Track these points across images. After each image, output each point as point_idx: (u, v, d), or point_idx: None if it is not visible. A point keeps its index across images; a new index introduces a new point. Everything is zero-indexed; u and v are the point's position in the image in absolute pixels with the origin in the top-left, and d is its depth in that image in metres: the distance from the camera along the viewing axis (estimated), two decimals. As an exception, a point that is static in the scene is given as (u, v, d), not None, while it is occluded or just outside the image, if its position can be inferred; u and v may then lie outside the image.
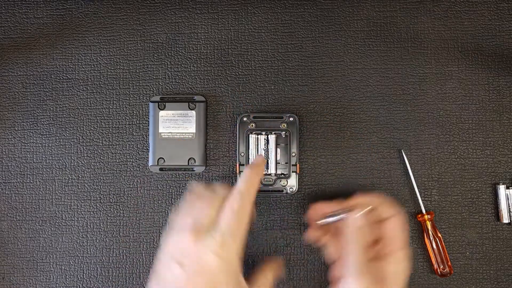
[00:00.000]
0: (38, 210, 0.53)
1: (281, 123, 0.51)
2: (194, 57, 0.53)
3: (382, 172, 0.52)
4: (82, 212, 0.52)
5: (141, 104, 0.53)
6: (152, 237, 0.52)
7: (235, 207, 0.41)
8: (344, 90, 0.52)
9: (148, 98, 0.53)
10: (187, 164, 0.51)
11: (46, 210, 0.53)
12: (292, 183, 0.50)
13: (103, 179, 0.53)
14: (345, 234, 0.44)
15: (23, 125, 0.53)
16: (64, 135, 0.53)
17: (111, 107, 0.53)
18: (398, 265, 0.43)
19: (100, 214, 0.52)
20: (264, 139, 0.50)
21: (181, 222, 0.42)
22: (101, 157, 0.53)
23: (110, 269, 0.52)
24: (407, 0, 0.53)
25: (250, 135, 0.50)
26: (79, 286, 0.52)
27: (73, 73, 0.53)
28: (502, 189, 0.51)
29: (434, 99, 0.52)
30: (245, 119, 0.51)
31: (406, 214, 0.51)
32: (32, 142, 0.53)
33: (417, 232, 0.51)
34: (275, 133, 0.50)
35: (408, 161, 0.51)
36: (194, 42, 0.53)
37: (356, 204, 0.45)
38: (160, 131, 0.52)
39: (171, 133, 0.52)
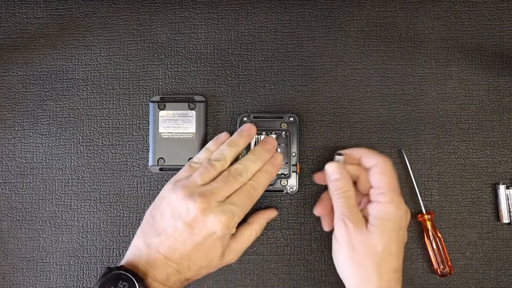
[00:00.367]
0: (38, 210, 0.53)
1: (281, 123, 0.51)
2: (194, 57, 0.53)
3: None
4: (82, 212, 0.52)
5: (141, 104, 0.53)
6: (152, 237, 0.52)
7: (253, 195, 0.45)
8: (344, 90, 0.52)
9: (148, 98, 0.53)
10: (187, 164, 0.51)
11: (46, 210, 0.53)
12: (292, 183, 0.50)
13: (103, 179, 0.53)
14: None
15: (23, 125, 0.53)
16: (64, 135, 0.53)
17: (111, 107, 0.53)
18: (379, 210, 0.44)
19: (100, 214, 0.52)
20: (264, 139, 0.50)
21: (194, 183, 0.44)
22: (101, 157, 0.53)
23: (110, 269, 0.52)
24: (407, 0, 0.53)
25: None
26: (79, 286, 0.52)
27: (73, 73, 0.53)
28: (502, 189, 0.51)
29: (434, 99, 0.52)
30: (245, 119, 0.51)
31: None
32: (32, 142, 0.53)
33: (417, 232, 0.51)
34: (275, 133, 0.50)
35: (408, 161, 0.51)
36: (194, 42, 0.53)
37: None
38: (160, 131, 0.52)
39: (171, 133, 0.52)
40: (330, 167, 0.46)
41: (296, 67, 0.53)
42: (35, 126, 0.53)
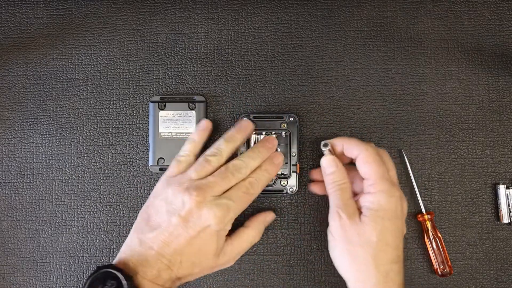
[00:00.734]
0: (38, 210, 0.53)
1: (281, 123, 0.51)
2: (194, 57, 0.53)
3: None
4: (82, 212, 0.52)
5: (141, 104, 0.53)
6: (152, 237, 0.52)
7: (251, 191, 0.45)
8: (344, 90, 0.52)
9: (148, 98, 0.53)
10: (187, 164, 0.51)
11: (46, 210, 0.53)
12: (292, 183, 0.50)
13: (103, 179, 0.53)
14: None
15: (23, 125, 0.53)
16: (64, 135, 0.53)
17: (111, 107, 0.53)
18: (371, 201, 0.43)
19: (100, 214, 0.52)
20: (264, 139, 0.50)
21: (189, 178, 0.44)
22: (101, 157, 0.53)
23: (110, 269, 0.52)
24: (407, 0, 0.53)
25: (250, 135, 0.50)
26: (79, 286, 0.52)
27: (73, 73, 0.53)
28: (502, 189, 0.51)
29: (434, 99, 0.52)
30: (245, 119, 0.51)
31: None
32: (32, 142, 0.53)
33: (417, 232, 0.51)
34: (275, 133, 0.50)
35: (408, 161, 0.51)
36: (194, 42, 0.53)
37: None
38: (160, 131, 0.52)
39: (171, 133, 0.52)
40: (325, 161, 0.46)
41: (296, 67, 0.53)
42: (35, 126, 0.53)
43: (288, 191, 0.50)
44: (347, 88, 0.52)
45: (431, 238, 0.50)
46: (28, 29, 0.54)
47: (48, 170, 0.53)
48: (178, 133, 0.51)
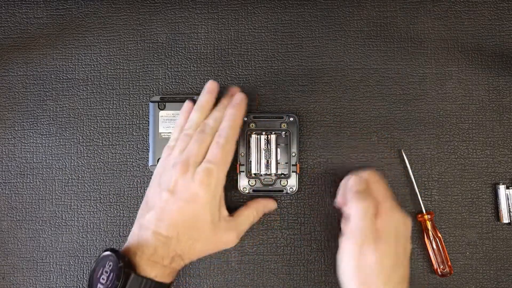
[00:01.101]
0: (38, 210, 0.53)
1: (281, 123, 0.51)
2: (194, 57, 0.53)
3: (382, 172, 0.52)
4: (82, 212, 0.52)
5: (141, 104, 0.53)
6: (152, 237, 0.52)
7: (221, 143, 0.45)
8: (344, 90, 0.52)
9: (148, 98, 0.53)
10: (187, 164, 0.51)
11: (46, 210, 0.52)
12: (292, 183, 0.50)
13: (103, 179, 0.53)
14: None
15: (23, 125, 0.53)
16: (64, 135, 0.53)
17: (111, 107, 0.53)
18: (384, 222, 0.42)
19: (100, 214, 0.52)
20: (265, 139, 0.50)
21: (174, 156, 0.46)
22: (101, 157, 0.53)
23: (110, 269, 0.52)
24: (407, 0, 0.53)
25: (250, 135, 0.50)
26: (79, 286, 0.52)
27: (73, 73, 0.53)
28: (502, 189, 0.51)
29: (434, 99, 0.52)
30: (245, 119, 0.51)
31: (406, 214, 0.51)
32: (32, 142, 0.53)
33: (417, 232, 0.51)
34: (275, 133, 0.50)
35: (408, 161, 0.51)
36: (194, 42, 0.53)
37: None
38: (160, 131, 0.52)
39: (171, 133, 0.51)
40: (353, 180, 0.45)
41: (296, 67, 0.53)
42: (35, 126, 0.53)
43: (288, 191, 0.50)
44: (347, 88, 0.52)
45: (431, 238, 0.50)
46: (28, 29, 0.54)
47: (48, 170, 0.53)
48: (178, 133, 0.51)
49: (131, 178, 0.52)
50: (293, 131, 0.50)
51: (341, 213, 0.46)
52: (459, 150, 0.52)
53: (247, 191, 0.50)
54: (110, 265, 0.41)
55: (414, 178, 0.51)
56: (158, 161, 0.51)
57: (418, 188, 0.51)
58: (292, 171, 0.50)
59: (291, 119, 0.51)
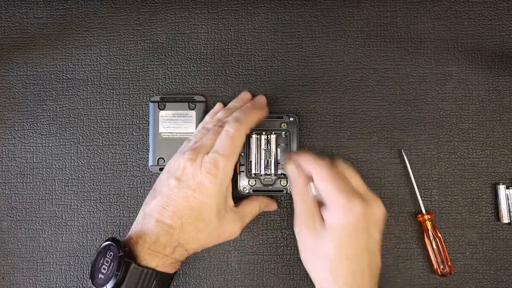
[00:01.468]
0: (38, 210, 0.53)
1: (281, 123, 0.51)
2: (194, 57, 0.53)
3: (382, 172, 0.52)
4: (82, 212, 0.52)
5: (141, 104, 0.53)
6: (152, 237, 0.52)
7: (230, 132, 0.44)
8: (344, 90, 0.52)
9: (148, 98, 0.53)
10: (187, 164, 0.51)
11: (46, 210, 0.53)
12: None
13: (103, 179, 0.53)
14: None
15: (23, 125, 0.53)
16: (64, 135, 0.53)
17: (111, 107, 0.53)
18: (329, 217, 0.42)
19: (100, 214, 0.52)
20: (265, 139, 0.50)
21: (187, 146, 0.46)
22: (101, 157, 0.53)
23: (110, 269, 0.52)
24: (407, 0, 0.53)
25: (250, 135, 0.50)
26: (79, 286, 0.52)
27: (73, 73, 0.53)
28: (502, 189, 0.51)
29: (434, 99, 0.52)
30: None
31: (406, 214, 0.51)
32: (32, 142, 0.53)
33: (417, 232, 0.51)
34: (275, 133, 0.50)
35: (408, 161, 0.51)
36: (194, 42, 0.53)
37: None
38: (160, 131, 0.52)
39: (171, 133, 0.52)
40: (287, 168, 0.45)
41: (296, 67, 0.53)
42: (35, 126, 0.53)
43: (288, 191, 0.50)
44: (347, 88, 0.52)
45: (431, 238, 0.50)
46: (28, 29, 0.54)
47: (48, 170, 0.53)
48: (178, 133, 0.51)
49: (131, 178, 0.52)
50: (293, 131, 0.50)
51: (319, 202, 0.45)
52: (459, 150, 0.52)
53: (247, 191, 0.50)
54: (111, 255, 0.41)
55: (414, 178, 0.51)
56: (158, 161, 0.51)
57: (418, 188, 0.51)
58: (292, 171, 0.50)
59: (291, 119, 0.51)
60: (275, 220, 0.52)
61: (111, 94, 0.53)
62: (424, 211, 0.50)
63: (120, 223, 0.52)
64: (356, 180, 0.44)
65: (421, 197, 0.51)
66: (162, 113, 0.52)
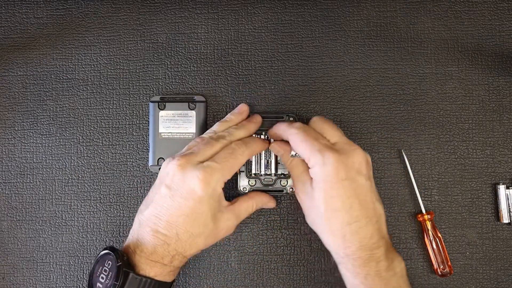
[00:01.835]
0: (38, 210, 0.53)
1: (281, 123, 0.50)
2: (194, 57, 0.53)
3: (382, 172, 0.52)
4: (82, 212, 0.52)
5: (141, 104, 0.53)
6: (152, 237, 0.52)
7: (236, 150, 0.44)
8: (344, 90, 0.52)
9: (148, 98, 0.53)
10: (187, 164, 0.51)
11: (46, 210, 0.53)
12: (292, 183, 0.50)
13: (103, 179, 0.53)
14: None
15: (23, 125, 0.53)
16: (64, 135, 0.53)
17: (111, 107, 0.53)
18: (312, 173, 0.43)
19: (100, 214, 0.52)
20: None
21: (179, 153, 0.45)
22: (101, 157, 0.53)
23: (110, 269, 0.52)
24: (407, 0, 0.53)
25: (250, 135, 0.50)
26: (79, 286, 0.52)
27: (73, 73, 0.53)
28: (502, 189, 0.51)
29: (434, 99, 0.52)
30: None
31: (406, 214, 0.51)
32: (32, 142, 0.53)
33: (417, 232, 0.51)
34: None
35: (408, 161, 0.51)
36: (194, 42, 0.53)
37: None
38: (160, 131, 0.52)
39: (171, 133, 0.52)
40: (272, 148, 0.48)
41: (296, 67, 0.53)
42: (35, 126, 0.53)
43: (288, 191, 0.50)
44: (347, 88, 0.52)
45: (431, 238, 0.50)
46: (28, 29, 0.54)
47: (48, 170, 0.53)
48: (178, 133, 0.51)
49: (131, 178, 0.52)
50: (293, 131, 0.50)
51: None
52: (459, 150, 0.52)
53: (247, 191, 0.50)
54: (109, 264, 0.41)
55: (414, 178, 0.51)
56: (158, 161, 0.51)
57: (418, 188, 0.51)
58: (292, 171, 0.50)
59: (291, 119, 0.51)
60: (275, 220, 0.52)
61: (111, 94, 0.53)
62: (424, 211, 0.50)
63: (120, 223, 0.52)
64: (332, 132, 0.45)
65: (421, 197, 0.51)
66: (162, 113, 0.52)
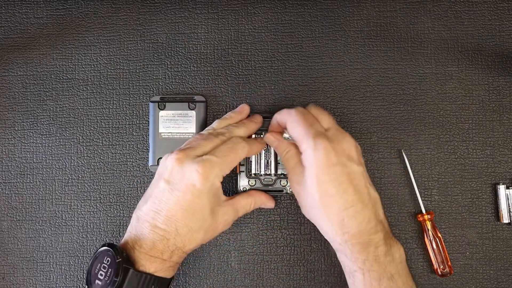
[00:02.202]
0: (38, 210, 0.53)
1: (281, 123, 0.50)
2: (194, 57, 0.53)
3: (382, 172, 0.52)
4: (82, 212, 0.52)
5: (141, 104, 0.53)
6: (152, 237, 0.52)
7: (237, 145, 0.44)
8: (344, 90, 0.52)
9: (148, 98, 0.53)
10: (187, 164, 0.51)
11: (46, 210, 0.53)
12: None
13: (103, 179, 0.53)
14: None
15: (23, 125, 0.53)
16: (64, 135, 0.53)
17: (111, 107, 0.53)
18: (303, 160, 0.43)
19: (100, 214, 0.52)
20: (264, 139, 0.50)
21: (178, 148, 0.45)
22: (101, 157, 0.53)
23: (110, 269, 0.52)
24: (407, 0, 0.53)
25: (250, 135, 0.50)
26: (79, 286, 0.52)
27: (73, 73, 0.53)
28: (502, 189, 0.51)
29: (434, 99, 0.52)
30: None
31: (406, 214, 0.51)
32: (32, 142, 0.53)
33: (417, 232, 0.51)
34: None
35: (408, 161, 0.51)
36: (194, 42, 0.53)
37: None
38: (160, 131, 0.52)
39: (171, 133, 0.52)
40: (267, 139, 0.48)
41: (296, 67, 0.53)
42: (35, 126, 0.53)
43: (288, 191, 0.50)
44: (347, 88, 0.52)
45: (431, 238, 0.50)
46: (28, 29, 0.54)
47: (48, 170, 0.53)
48: (178, 133, 0.52)
49: (131, 178, 0.52)
50: (293, 131, 0.50)
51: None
52: (459, 150, 0.52)
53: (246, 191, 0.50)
54: (108, 261, 0.41)
55: (414, 178, 0.51)
56: (158, 161, 0.51)
57: (418, 188, 0.51)
58: (292, 171, 0.50)
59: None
60: (275, 220, 0.52)
61: (111, 94, 0.53)
62: (424, 211, 0.50)
63: (120, 223, 0.52)
64: (326, 119, 0.45)
65: (421, 197, 0.51)
66: (162, 113, 0.52)
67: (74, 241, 0.52)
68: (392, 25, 0.53)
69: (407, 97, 0.52)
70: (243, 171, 0.50)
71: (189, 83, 0.53)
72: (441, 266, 0.50)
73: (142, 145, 0.53)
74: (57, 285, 0.52)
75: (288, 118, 0.45)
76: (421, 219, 0.50)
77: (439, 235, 0.50)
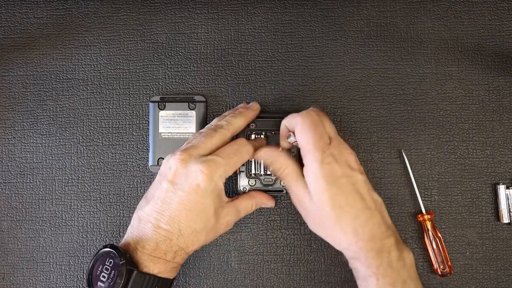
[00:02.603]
0: (38, 210, 0.53)
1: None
2: (194, 57, 0.53)
3: (382, 172, 0.52)
4: (82, 212, 0.52)
5: (141, 104, 0.53)
6: (152, 237, 0.52)
7: (242, 146, 0.44)
8: (344, 90, 0.52)
9: (148, 98, 0.53)
10: (187, 164, 0.51)
11: (46, 210, 0.53)
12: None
13: (103, 179, 0.53)
14: None
15: (23, 125, 0.53)
16: (64, 135, 0.53)
17: (111, 107, 0.53)
18: (307, 175, 0.43)
19: (100, 214, 0.52)
20: (265, 139, 0.50)
21: (179, 148, 0.44)
22: (101, 157, 0.53)
23: (110, 269, 0.52)
24: (407, 0, 0.53)
25: (250, 135, 0.50)
26: (79, 286, 0.52)
27: (73, 73, 0.53)
28: (502, 189, 0.51)
29: (434, 99, 0.52)
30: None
31: (406, 214, 0.51)
32: (32, 142, 0.53)
33: (417, 232, 0.51)
34: (275, 133, 0.50)
35: (408, 161, 0.51)
36: (194, 42, 0.53)
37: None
38: (160, 131, 0.52)
39: (171, 133, 0.52)
40: (264, 154, 0.46)
41: (296, 67, 0.53)
42: (35, 126, 0.53)
43: (288, 191, 0.50)
44: (347, 88, 0.53)
45: (431, 238, 0.50)
46: (28, 29, 0.54)
47: (48, 170, 0.53)
48: (178, 133, 0.52)
49: (131, 178, 0.52)
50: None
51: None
52: (459, 150, 0.52)
53: (247, 191, 0.50)
54: (110, 262, 0.41)
55: (414, 178, 0.51)
56: (158, 161, 0.51)
57: (418, 188, 0.51)
58: (292, 171, 0.50)
59: (291, 119, 0.50)
60: (275, 220, 0.52)
61: (111, 94, 0.53)
62: (424, 211, 0.50)
63: (120, 223, 0.52)
64: (328, 128, 0.45)
65: (421, 197, 0.51)
66: (162, 113, 0.52)
67: (74, 241, 0.52)
68: (392, 25, 0.53)
69: (407, 97, 0.52)
70: (243, 171, 0.50)
71: (189, 83, 0.53)
72: (441, 266, 0.50)
73: (142, 145, 0.53)
74: (57, 285, 0.52)
75: (296, 124, 0.44)
76: (421, 219, 0.50)
77: (439, 235, 0.50)
